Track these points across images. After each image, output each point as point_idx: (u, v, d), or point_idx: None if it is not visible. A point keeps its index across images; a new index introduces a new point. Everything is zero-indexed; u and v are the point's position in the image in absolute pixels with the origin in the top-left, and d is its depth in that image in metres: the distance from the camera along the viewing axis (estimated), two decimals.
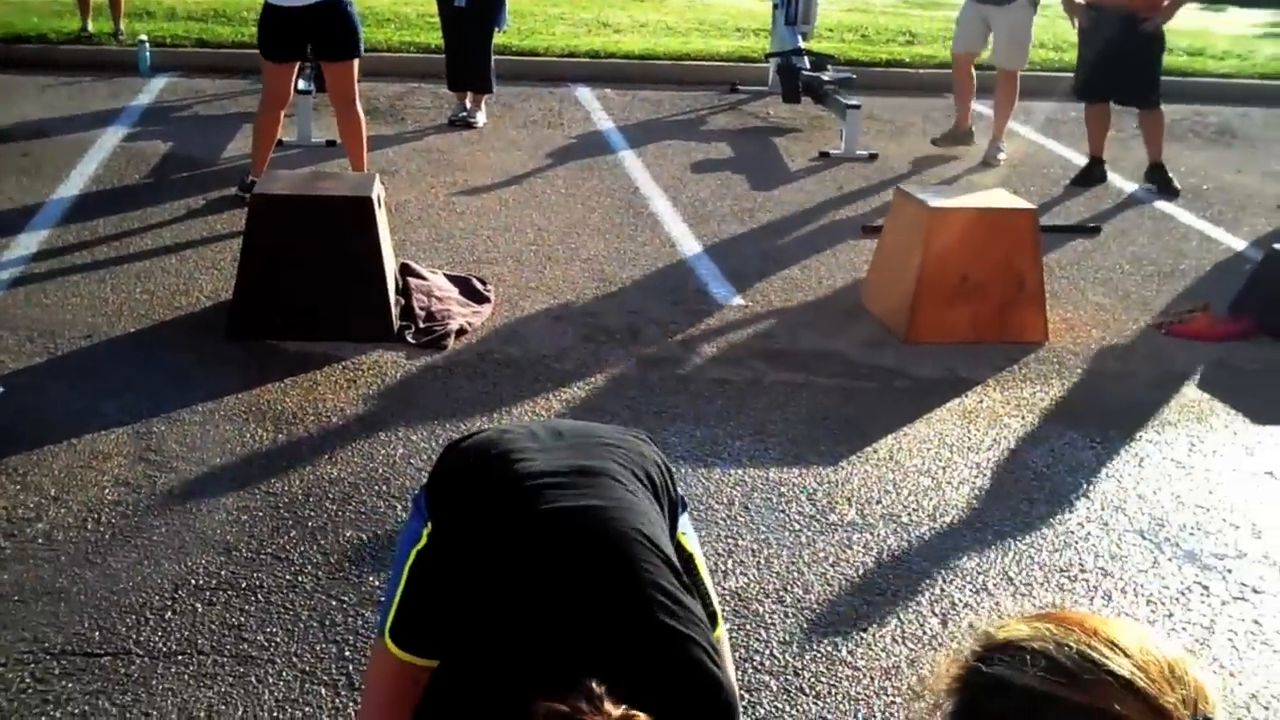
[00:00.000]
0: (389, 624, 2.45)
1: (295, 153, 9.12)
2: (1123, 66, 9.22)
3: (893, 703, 3.78)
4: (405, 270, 6.64)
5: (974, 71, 10.24)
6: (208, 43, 12.25)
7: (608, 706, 1.74)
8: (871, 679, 3.88)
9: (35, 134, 9.23)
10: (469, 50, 10.07)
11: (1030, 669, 1.26)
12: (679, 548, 2.45)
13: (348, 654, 3.81)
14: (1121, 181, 9.67)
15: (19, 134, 9.21)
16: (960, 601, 4.29)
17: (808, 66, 10.76)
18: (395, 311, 6.18)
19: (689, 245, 7.64)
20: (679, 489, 2.60)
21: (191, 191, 8.15)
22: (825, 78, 10.65)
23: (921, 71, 13.01)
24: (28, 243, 7.07)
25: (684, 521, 2.62)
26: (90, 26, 12.25)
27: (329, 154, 9.02)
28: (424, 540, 2.43)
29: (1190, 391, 6.10)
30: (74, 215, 7.60)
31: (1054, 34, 14.13)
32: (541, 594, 2.13)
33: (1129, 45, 9.17)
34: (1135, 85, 9.41)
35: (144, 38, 11.69)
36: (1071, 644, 1.27)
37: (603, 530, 2.23)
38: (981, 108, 10.70)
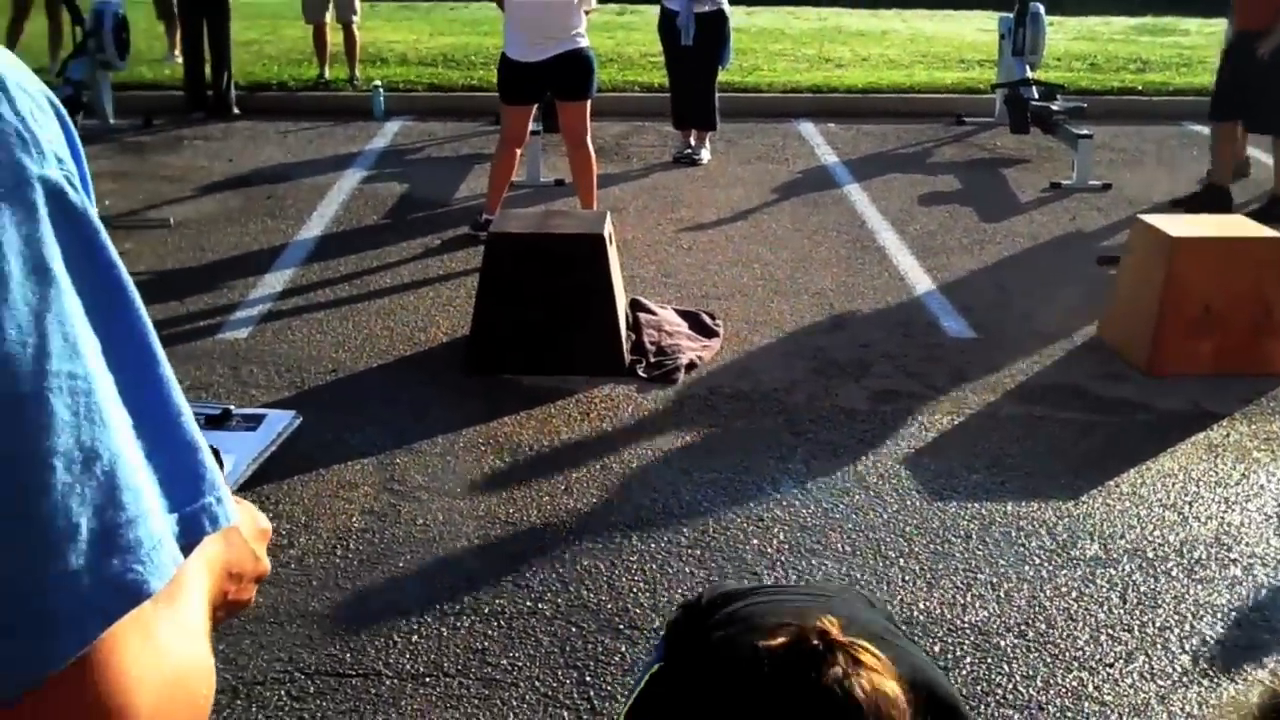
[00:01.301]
0: None
1: (525, 192, 9.30)
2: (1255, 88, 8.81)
3: None
4: (635, 305, 6.72)
5: None
6: (439, 87, 12.60)
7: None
8: (1120, 716, 3.78)
9: (278, 178, 9.61)
10: (693, 88, 10.17)
11: None
12: None
13: (588, 679, 3.85)
14: None
15: (263, 178, 9.60)
16: (1210, 638, 4.15)
17: (1036, 96, 10.60)
18: (626, 346, 6.25)
19: (918, 278, 7.57)
20: None
21: (427, 231, 8.38)
22: (1055, 107, 10.47)
23: (1155, 99, 12.70)
24: (274, 281, 7.36)
25: None
26: (327, 73, 12.72)
27: (558, 193, 9.19)
28: (654, 669, 2.37)
29: None
30: (317, 255, 7.88)
31: None
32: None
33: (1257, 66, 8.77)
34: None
35: (378, 83, 12.09)
36: None
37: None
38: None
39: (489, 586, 4.36)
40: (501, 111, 8.05)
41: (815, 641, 1.82)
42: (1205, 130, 11.40)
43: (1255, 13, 8.74)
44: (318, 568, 4.45)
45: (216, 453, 1.44)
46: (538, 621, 4.16)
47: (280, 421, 2.32)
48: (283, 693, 3.78)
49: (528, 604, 4.26)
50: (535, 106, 8.20)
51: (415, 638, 4.06)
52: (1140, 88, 13.02)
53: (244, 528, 1.24)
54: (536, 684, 3.84)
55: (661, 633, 2.57)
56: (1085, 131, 9.85)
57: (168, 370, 0.97)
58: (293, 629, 4.09)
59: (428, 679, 3.85)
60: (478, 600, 4.27)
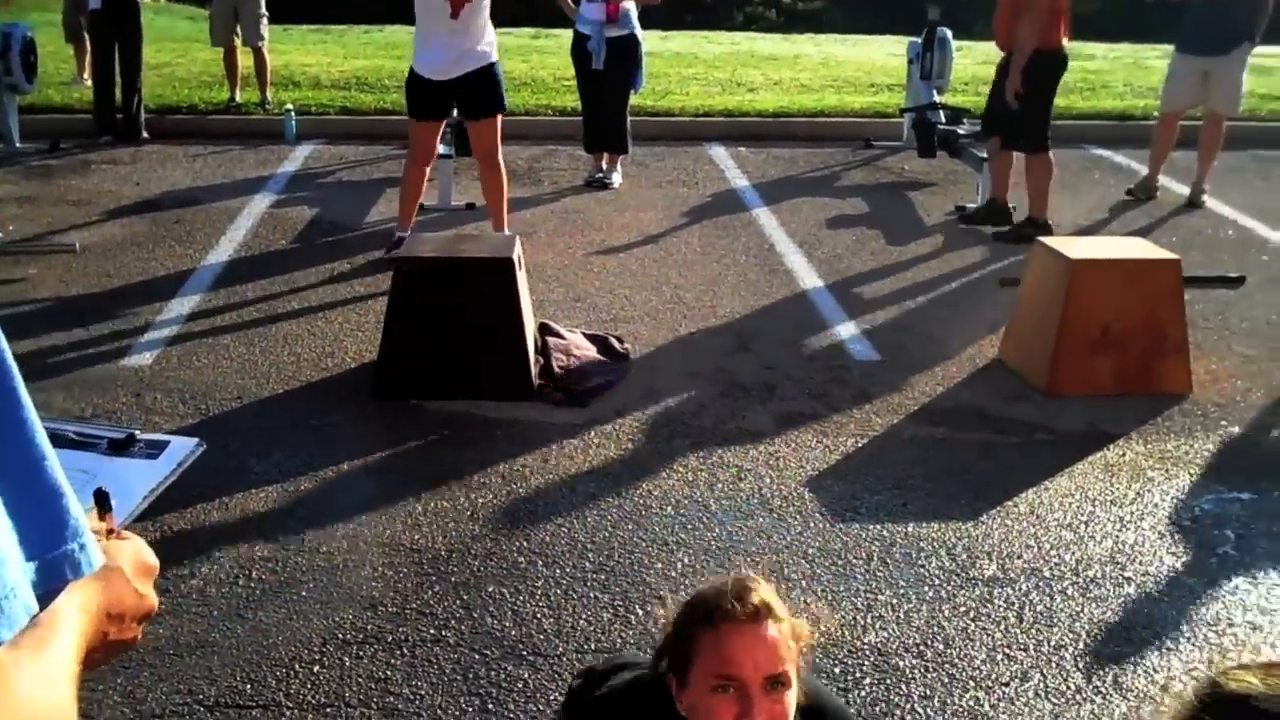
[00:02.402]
0: None
1: (436, 216, 9.30)
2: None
3: None
4: (544, 329, 6.75)
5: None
6: (351, 110, 12.57)
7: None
8: None
9: (187, 202, 9.54)
10: (606, 112, 10.21)
11: None
12: None
13: (491, 707, 3.87)
14: (1266, 230, 9.49)
15: (172, 202, 9.52)
16: (1104, 655, 4.23)
17: (943, 120, 10.74)
18: (535, 370, 6.27)
19: (824, 301, 7.65)
20: None
21: (336, 255, 8.36)
22: (961, 131, 10.60)
23: (1059, 123, 12.87)
24: (180, 307, 7.31)
25: None
26: (238, 96, 12.65)
27: (469, 217, 9.20)
28: None
29: None
30: (224, 280, 7.83)
31: None
32: None
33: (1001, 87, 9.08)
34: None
35: (290, 107, 12.04)
36: None
37: None
38: (1113, 155, 10.58)
39: (392, 614, 4.36)
40: (410, 128, 8.06)
41: None
42: (1109, 154, 11.65)
43: (1001, 36, 9.08)
44: (219, 597, 4.43)
45: (104, 495, 1.44)
46: (441, 649, 4.16)
47: (183, 449, 2.31)
48: None
49: (431, 632, 4.26)
50: (444, 124, 8.21)
51: (317, 668, 4.05)
52: None
53: (127, 565, 1.24)
54: (439, 713, 3.85)
55: (562, 699, 2.74)
56: None
57: (31, 414, 0.97)
58: (192, 660, 4.07)
59: (329, 709, 3.85)
60: (381, 629, 4.27)
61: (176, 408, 5.98)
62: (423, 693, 3.94)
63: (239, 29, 12.37)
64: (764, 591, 2.29)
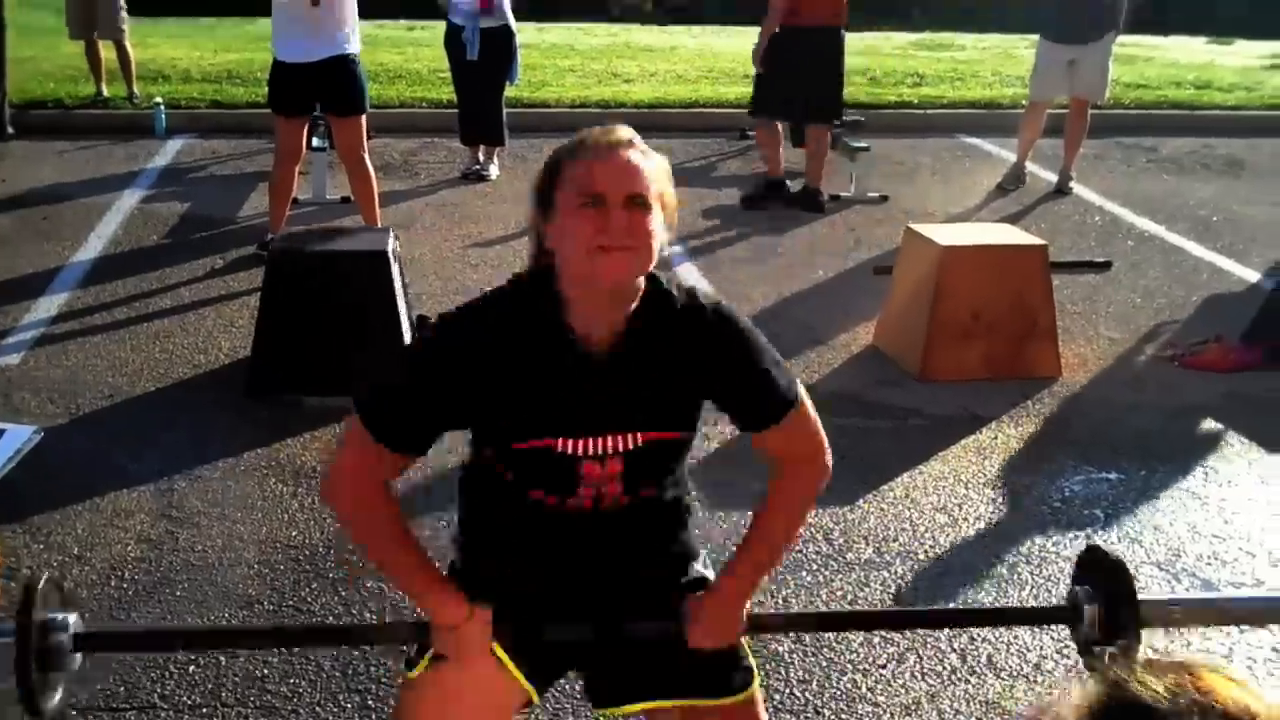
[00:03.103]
0: None
1: (311, 210, 9.21)
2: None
3: None
4: (421, 323, 6.70)
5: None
6: (222, 104, 12.38)
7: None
8: (892, 715, 3.90)
9: (54, 198, 9.35)
10: (481, 104, 10.17)
11: None
12: None
13: (371, 703, 3.84)
14: (1131, 216, 9.71)
15: (38, 199, 9.33)
16: (979, 636, 4.30)
17: None
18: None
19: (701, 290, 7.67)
20: None
21: (209, 251, 8.24)
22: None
23: (930, 112, 13.09)
24: (48, 305, 7.16)
25: None
26: (105, 90, 12.40)
27: (344, 210, 9.11)
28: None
29: (1204, 422, 6.12)
30: (93, 277, 7.69)
31: None
32: None
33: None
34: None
35: (159, 100, 11.83)
36: None
37: None
38: (983, 143, 10.76)
39: (269, 612, 4.31)
40: (276, 125, 7.96)
41: None
42: (979, 142, 11.84)
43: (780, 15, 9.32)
44: (91, 599, 4.35)
45: None
46: (320, 647, 4.12)
47: (18, 438, 2.28)
48: None
49: None
50: (310, 120, 8.12)
51: (192, 668, 3.99)
52: (916, 101, 13.41)
53: None
54: (317, 710, 3.82)
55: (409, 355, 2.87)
56: (863, 144, 10.13)
57: None
58: None
59: (204, 710, 3.80)
60: None
61: (45, 407, 5.87)
62: (301, 690, 3.90)
63: (98, 22, 12.11)
64: (631, 132, 2.36)
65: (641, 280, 2.32)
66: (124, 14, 12.26)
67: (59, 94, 12.43)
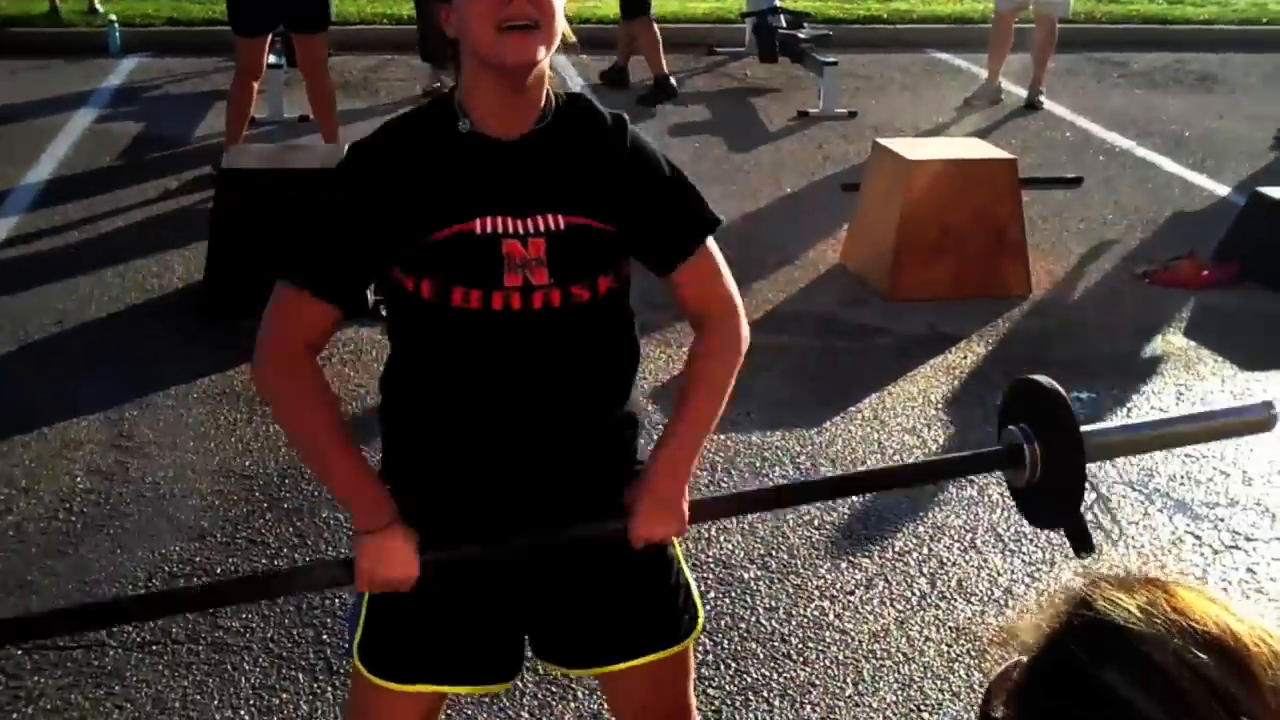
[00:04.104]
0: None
1: (268, 129, 9.01)
2: None
3: (882, 666, 3.72)
4: None
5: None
6: (179, 21, 12.11)
7: None
8: (860, 642, 3.82)
9: (4, 119, 9.12)
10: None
11: (1139, 681, 1.05)
12: None
13: (325, 638, 3.74)
14: (1103, 131, 9.58)
15: None
16: (948, 560, 4.23)
17: (784, 25, 10.66)
18: (370, 285, 6.07)
19: None
20: None
21: (164, 172, 8.05)
22: (801, 35, 10.55)
23: (899, 27, 12.91)
24: None
25: None
26: (60, 6, 12.10)
27: (302, 129, 8.91)
28: None
29: (1177, 339, 6.03)
30: (44, 200, 7.50)
31: None
32: None
33: None
34: None
35: (113, 18, 11.56)
36: (1190, 652, 1.06)
37: None
38: (953, 58, 10.60)
39: (221, 545, 4.20)
40: (235, 43, 7.74)
41: None
42: (948, 57, 11.68)
43: None
44: (37, 534, 4.23)
45: None
46: None
47: None
48: None
49: (262, 561, 4.12)
50: (271, 40, 7.91)
51: None
52: (885, 16, 13.20)
53: None
54: (270, 645, 3.72)
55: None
56: (831, 59, 9.95)
57: None
58: (10, 601, 3.88)
59: (154, 647, 3.69)
60: (209, 560, 4.12)
61: None
62: (253, 625, 3.80)
63: None
64: None
65: (547, 66, 2.18)
66: None
67: (10, 11, 12.13)
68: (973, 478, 4.75)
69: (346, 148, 2.37)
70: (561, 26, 2.15)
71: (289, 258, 2.23)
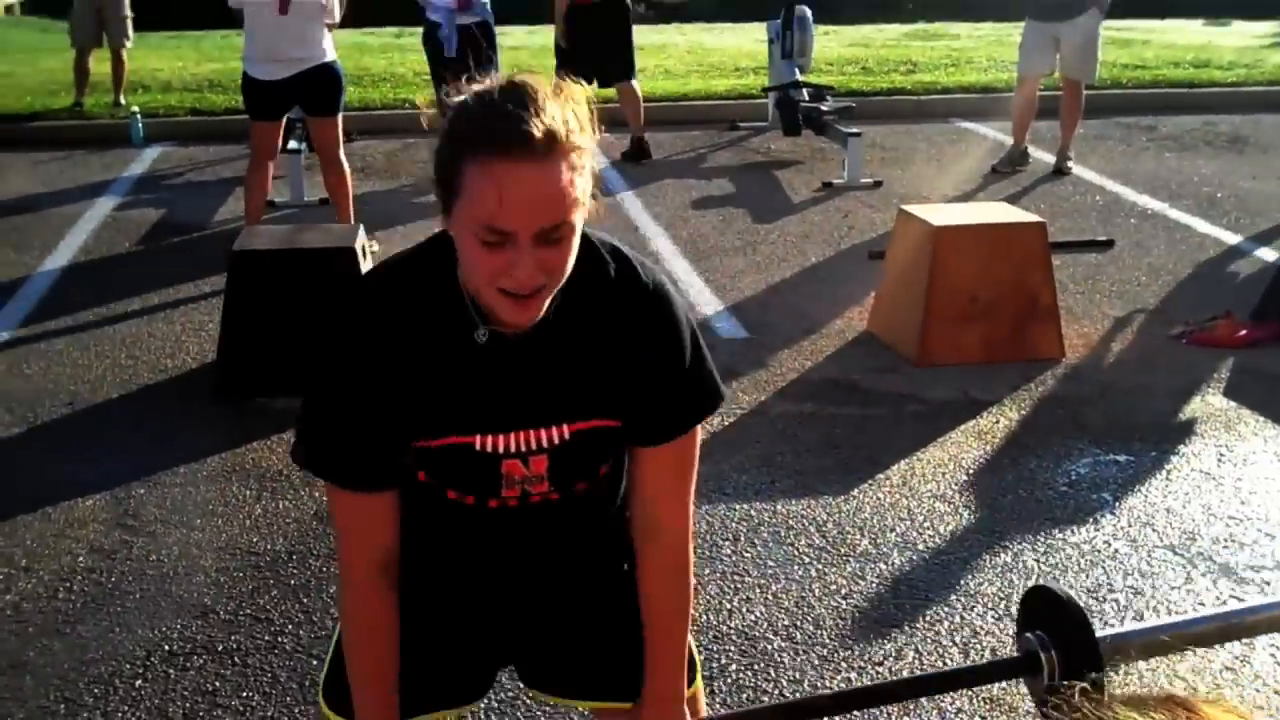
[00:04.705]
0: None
1: (289, 212, 8.96)
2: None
3: None
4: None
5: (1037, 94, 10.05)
6: (201, 111, 12.13)
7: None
8: (888, 716, 3.62)
9: (24, 208, 9.09)
10: None
11: None
12: None
13: None
14: (1134, 195, 9.43)
15: (8, 209, 9.07)
16: (982, 629, 4.04)
17: (806, 98, 10.59)
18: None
19: (691, 281, 7.42)
20: None
21: (182, 257, 7.99)
22: (824, 108, 10.48)
23: (924, 98, 12.82)
24: (11, 316, 6.89)
25: None
26: (85, 102, 12.17)
27: (323, 213, 8.83)
28: None
29: (1216, 400, 5.84)
30: (60, 286, 7.43)
31: None
32: None
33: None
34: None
35: (136, 109, 11.58)
36: None
37: None
38: (979, 127, 10.50)
39: (225, 622, 4.04)
40: (251, 128, 7.71)
41: None
42: (974, 126, 11.59)
43: None
44: (35, 613, 4.09)
45: None
46: (276, 657, 3.86)
47: None
48: None
49: (266, 639, 3.96)
50: (285, 121, 7.86)
51: (139, 682, 3.73)
52: (909, 87, 13.12)
53: None
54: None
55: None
56: (855, 130, 9.86)
57: None
58: (2, 682, 3.73)
59: None
60: (211, 638, 3.96)
61: (2, 417, 5.61)
62: (254, 703, 3.63)
63: (105, 30, 12.09)
64: (548, 107, 1.82)
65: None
66: (130, 23, 12.30)
67: (36, 107, 12.18)
68: (1005, 541, 4.56)
69: (352, 287, 2.19)
70: (578, 238, 1.91)
71: (313, 452, 2.07)
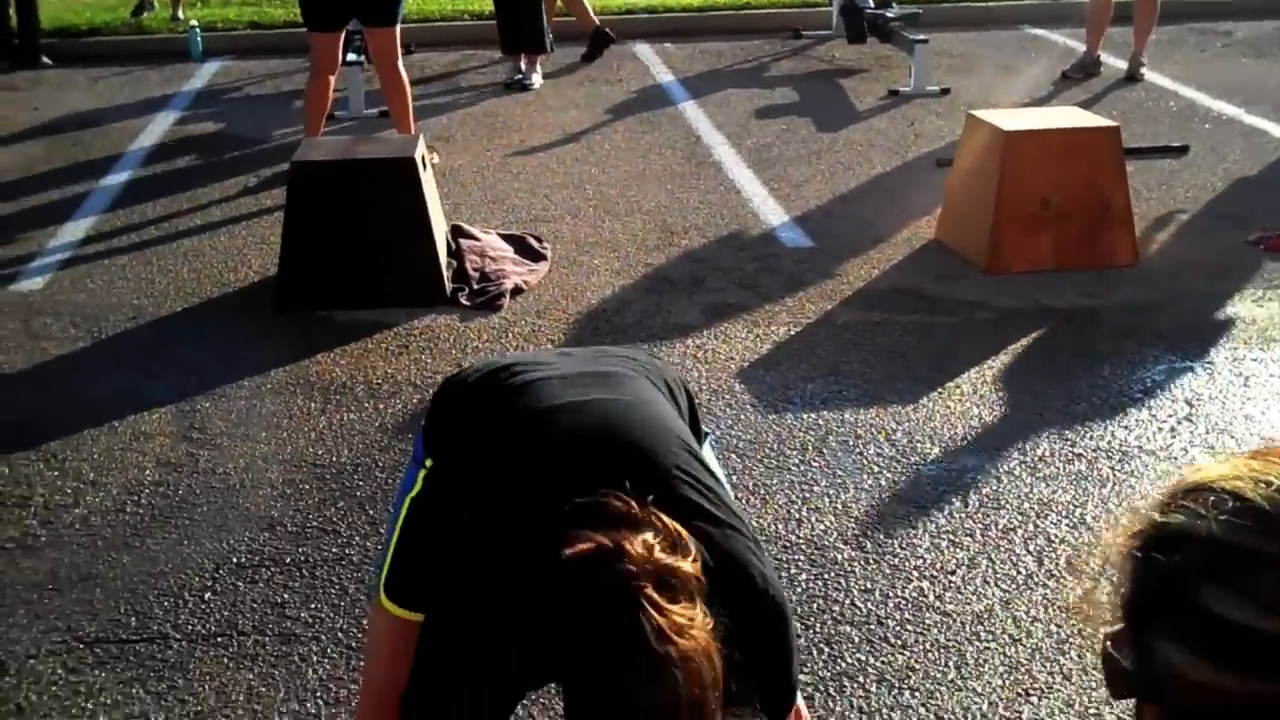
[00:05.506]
0: (383, 581, 2.22)
1: (349, 125, 8.90)
2: None
3: (986, 649, 3.47)
4: (456, 231, 6.40)
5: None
6: (260, 25, 12.04)
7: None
8: (963, 624, 3.57)
9: (86, 124, 9.06)
10: (520, 11, 9.78)
11: (1213, 514, 0.97)
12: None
13: None
14: (1208, 100, 9.19)
15: (69, 125, 9.05)
16: (1056, 538, 3.97)
17: (871, 5, 10.39)
18: (447, 274, 5.93)
19: (754, 191, 7.31)
20: (701, 423, 2.32)
21: (243, 170, 7.95)
22: (890, 14, 10.27)
23: (991, 4, 12.55)
24: (75, 230, 6.89)
25: (706, 449, 2.32)
26: (145, 15, 12.13)
27: (383, 125, 8.77)
28: (419, 486, 2.19)
29: None
30: (123, 200, 7.41)
31: None
32: (547, 494, 1.83)
33: None
34: None
35: (194, 23, 11.53)
36: (1274, 479, 0.96)
37: (619, 418, 1.98)
38: (1049, 34, 10.27)
39: (291, 535, 4.04)
40: (310, 40, 7.63)
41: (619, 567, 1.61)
42: (1044, 33, 11.33)
43: None
44: (104, 526, 4.09)
45: None
46: (343, 569, 3.85)
47: None
48: (58, 665, 3.44)
49: (334, 550, 3.95)
50: (344, 33, 7.77)
51: (208, 595, 3.73)
52: None
53: None
54: (340, 635, 3.55)
55: (422, 423, 2.33)
56: (921, 37, 9.66)
57: None
58: (74, 595, 3.74)
59: (219, 639, 3.53)
60: (279, 550, 3.95)
61: (67, 331, 5.61)
62: (323, 615, 3.63)
63: None
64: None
65: None
66: None
67: (95, 21, 12.15)
68: (1078, 449, 4.48)
69: None
70: None
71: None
